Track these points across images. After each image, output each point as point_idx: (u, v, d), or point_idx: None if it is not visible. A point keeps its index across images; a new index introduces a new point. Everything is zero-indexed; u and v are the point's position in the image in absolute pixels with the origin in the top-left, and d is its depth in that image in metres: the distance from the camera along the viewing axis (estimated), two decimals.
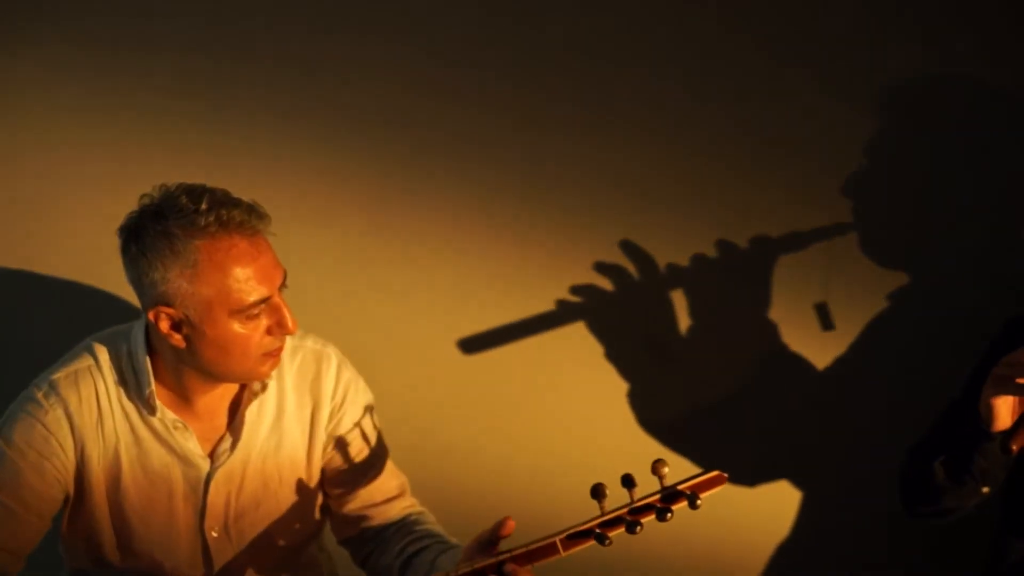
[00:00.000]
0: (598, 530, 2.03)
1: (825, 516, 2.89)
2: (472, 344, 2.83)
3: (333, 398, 2.35)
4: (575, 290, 2.82)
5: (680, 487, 2.02)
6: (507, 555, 2.07)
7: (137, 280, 2.16)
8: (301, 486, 2.36)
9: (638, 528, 2.02)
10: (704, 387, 2.87)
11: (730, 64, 2.74)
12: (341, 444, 2.37)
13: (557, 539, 2.05)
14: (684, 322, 2.84)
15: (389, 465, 2.43)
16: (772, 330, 2.84)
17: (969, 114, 2.74)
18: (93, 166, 2.76)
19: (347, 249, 2.82)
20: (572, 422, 2.87)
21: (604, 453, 2.84)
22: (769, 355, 2.85)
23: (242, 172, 2.71)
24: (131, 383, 2.26)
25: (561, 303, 2.82)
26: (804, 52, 2.74)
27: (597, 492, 2.03)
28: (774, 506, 2.89)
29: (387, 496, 2.42)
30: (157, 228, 2.11)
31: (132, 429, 2.26)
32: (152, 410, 2.24)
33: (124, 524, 2.30)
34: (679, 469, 2.08)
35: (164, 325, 2.15)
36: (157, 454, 2.27)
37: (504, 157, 2.78)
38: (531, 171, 2.79)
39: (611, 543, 2.03)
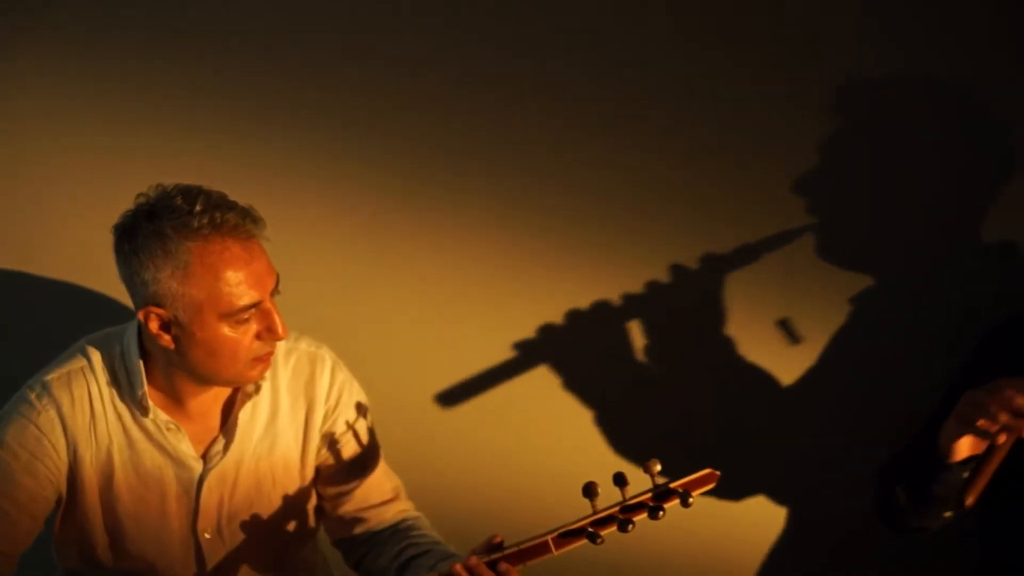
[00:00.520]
0: (590, 528, 2.04)
1: (818, 517, 2.88)
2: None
3: (327, 400, 2.35)
4: (572, 291, 2.83)
5: (672, 485, 2.03)
6: (499, 555, 2.08)
7: (129, 279, 2.16)
8: (294, 488, 2.36)
9: (630, 526, 2.03)
10: (698, 387, 2.87)
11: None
12: (335, 446, 2.37)
13: (549, 538, 2.06)
14: (680, 322, 2.85)
15: (383, 467, 2.43)
16: (764, 332, 2.85)
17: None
18: (88, 168, 2.76)
19: (342, 251, 2.81)
20: (566, 423, 2.87)
21: (597, 453, 2.85)
22: (763, 354, 2.86)
23: (238, 173, 2.71)
24: (124, 384, 2.25)
25: (557, 304, 2.83)
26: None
27: (589, 491, 2.03)
28: (765, 507, 2.90)
29: (382, 499, 2.41)
30: (150, 228, 2.11)
31: (125, 430, 2.26)
32: (145, 411, 2.24)
33: (117, 525, 2.30)
34: (672, 471, 2.09)
35: (153, 325, 2.15)
36: (150, 455, 2.27)
37: (499, 159, 2.78)
38: (527, 173, 2.79)
39: (603, 541, 2.04)
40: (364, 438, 2.39)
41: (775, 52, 2.73)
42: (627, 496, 2.03)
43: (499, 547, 2.09)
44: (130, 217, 2.15)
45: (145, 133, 2.75)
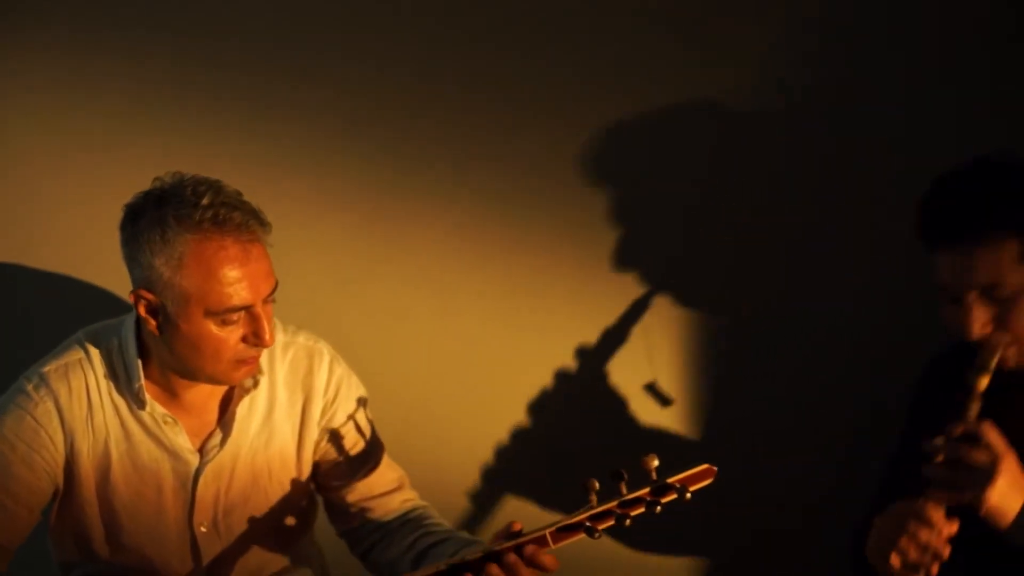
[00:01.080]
0: (588, 523, 2.04)
1: (817, 514, 2.89)
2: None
3: (325, 393, 2.35)
4: (568, 288, 2.84)
5: (669, 480, 2.03)
6: (498, 548, 2.07)
7: (128, 258, 2.16)
8: (291, 482, 2.36)
9: (627, 521, 2.03)
10: (696, 383, 2.88)
11: None
12: (336, 438, 2.37)
13: (547, 532, 2.06)
14: (679, 318, 2.86)
15: (386, 458, 2.43)
16: (762, 329, 2.87)
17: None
18: (85, 161, 2.76)
19: (340, 245, 2.82)
20: (566, 417, 2.88)
21: (597, 449, 2.85)
22: (761, 352, 2.88)
23: (237, 166, 2.66)
24: (121, 377, 2.25)
25: (554, 300, 2.84)
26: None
27: (587, 486, 2.04)
28: (763, 504, 2.91)
29: (386, 488, 2.42)
30: (155, 213, 2.11)
31: (122, 423, 2.26)
32: (142, 404, 2.24)
33: (113, 518, 2.29)
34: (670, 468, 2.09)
35: (141, 308, 2.15)
36: (146, 448, 2.27)
37: (499, 155, 2.78)
38: (527, 169, 2.80)
39: (600, 536, 2.04)
40: (364, 430, 2.39)
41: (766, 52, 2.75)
42: (625, 492, 2.04)
43: (518, 534, 2.08)
44: (140, 199, 2.15)
45: (142, 127, 2.75)
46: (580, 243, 2.83)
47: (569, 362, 2.85)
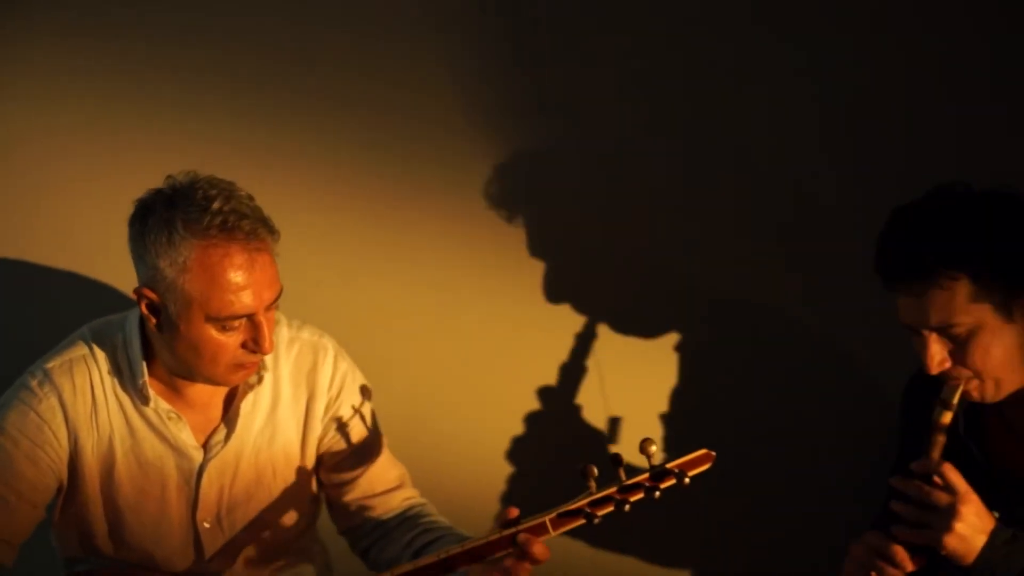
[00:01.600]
0: (588, 509, 2.04)
1: (815, 513, 2.88)
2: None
3: (330, 389, 2.35)
4: (567, 284, 2.84)
5: (668, 465, 2.04)
6: (496, 536, 2.07)
7: (134, 255, 2.17)
8: (294, 478, 2.36)
9: (626, 507, 2.03)
10: (693, 377, 2.88)
11: None
12: (338, 435, 2.37)
13: (547, 519, 2.06)
14: (679, 314, 2.86)
15: (387, 455, 2.43)
16: (759, 327, 2.87)
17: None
18: (89, 158, 2.78)
19: (344, 242, 2.83)
20: (568, 414, 2.87)
21: (597, 439, 2.85)
22: (759, 350, 2.88)
23: (240, 164, 2.67)
24: (125, 373, 2.25)
25: (554, 295, 2.83)
26: None
27: (586, 472, 2.04)
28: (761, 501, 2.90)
29: (387, 486, 2.41)
30: (164, 214, 2.11)
31: (126, 419, 2.26)
32: (145, 400, 2.24)
33: (117, 514, 2.29)
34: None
35: (143, 305, 2.15)
36: (151, 444, 2.27)
37: (500, 153, 2.79)
38: (528, 167, 2.80)
39: (600, 522, 2.03)
40: (367, 427, 2.39)
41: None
42: (624, 477, 2.03)
43: (516, 521, 2.08)
44: (151, 197, 2.15)
45: (146, 123, 2.77)
46: (582, 242, 2.84)
47: (571, 359, 2.85)
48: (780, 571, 2.85)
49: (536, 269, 2.83)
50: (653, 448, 2.01)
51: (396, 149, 2.80)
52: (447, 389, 2.88)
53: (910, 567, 2.07)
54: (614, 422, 2.86)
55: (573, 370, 2.85)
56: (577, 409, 2.87)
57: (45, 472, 2.24)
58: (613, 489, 2.04)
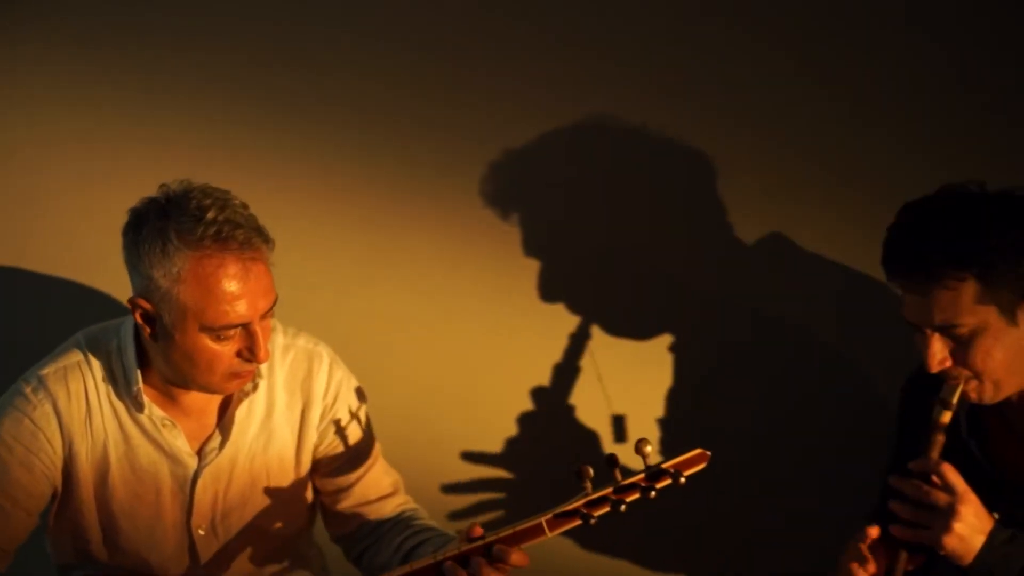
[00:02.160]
0: (584, 510, 2.04)
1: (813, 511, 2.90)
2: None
3: (325, 397, 2.35)
4: (564, 286, 2.85)
5: (664, 465, 2.04)
6: (493, 537, 2.08)
7: (128, 264, 2.17)
8: (289, 485, 2.36)
9: (622, 507, 2.03)
10: (690, 377, 2.90)
11: None
12: (334, 442, 2.37)
13: (543, 520, 2.06)
14: (676, 314, 2.87)
15: (382, 463, 2.43)
16: (758, 326, 2.88)
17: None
18: (84, 164, 2.78)
19: (339, 247, 2.83)
20: (563, 418, 2.88)
21: (594, 441, 2.86)
22: (757, 349, 2.89)
23: (237, 169, 2.73)
24: (120, 380, 2.25)
25: (549, 297, 2.85)
26: None
27: (582, 473, 2.04)
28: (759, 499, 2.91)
29: (381, 494, 2.41)
30: (157, 224, 2.10)
31: (120, 426, 2.26)
32: (140, 407, 2.24)
33: (111, 521, 2.29)
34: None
35: (138, 315, 2.15)
36: (145, 451, 2.27)
37: (496, 155, 2.80)
38: (524, 170, 2.81)
39: (596, 522, 2.04)
40: (362, 434, 2.39)
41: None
42: (619, 477, 2.04)
43: (480, 539, 2.08)
44: (145, 206, 2.15)
45: (143, 129, 2.77)
46: (576, 245, 2.84)
47: (567, 361, 2.86)
48: (775, 571, 2.86)
49: (532, 272, 2.84)
50: (648, 448, 2.01)
51: (392, 154, 2.81)
52: (443, 392, 2.88)
53: (904, 565, 2.08)
54: (611, 423, 2.87)
55: (569, 372, 2.86)
56: (574, 410, 2.88)
57: (39, 479, 2.23)
58: (609, 490, 2.04)
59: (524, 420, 2.89)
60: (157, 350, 2.18)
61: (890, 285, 2.09)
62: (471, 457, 2.88)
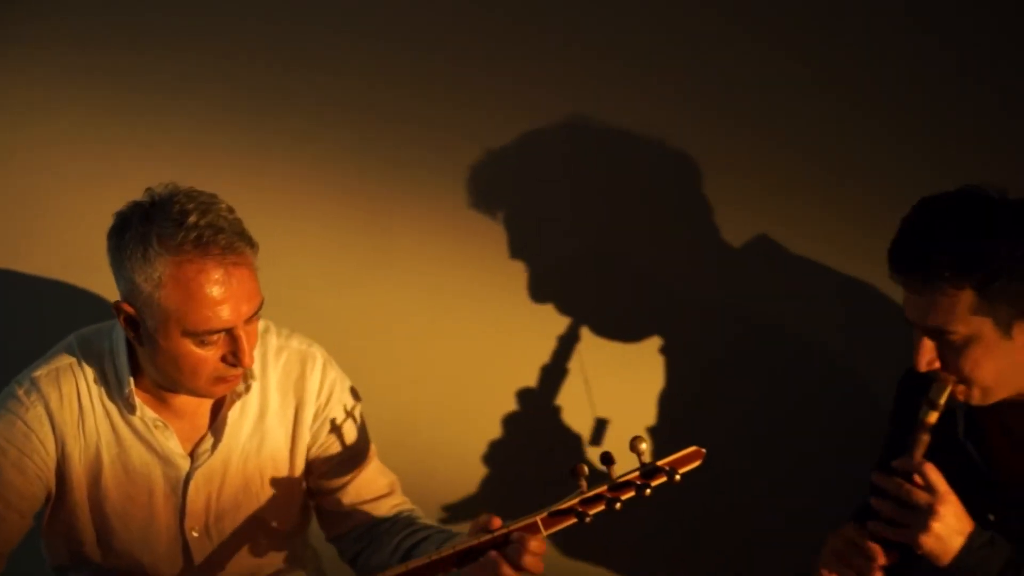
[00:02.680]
0: (579, 508, 2.04)
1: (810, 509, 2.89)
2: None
3: (318, 398, 2.35)
4: (563, 287, 2.85)
5: (659, 463, 2.04)
6: (488, 537, 2.07)
7: (113, 269, 2.17)
8: (283, 486, 2.35)
9: (617, 505, 2.03)
10: (689, 380, 2.90)
11: None
12: (327, 443, 2.36)
13: (538, 518, 2.06)
14: (676, 316, 2.87)
15: (377, 463, 2.43)
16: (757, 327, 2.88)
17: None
18: (81, 165, 2.78)
19: (332, 248, 2.83)
20: (557, 417, 2.88)
21: (590, 441, 2.86)
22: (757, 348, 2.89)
23: (230, 169, 2.73)
24: (112, 382, 2.25)
25: (546, 300, 2.84)
26: None
27: (577, 471, 2.04)
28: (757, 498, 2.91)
29: (376, 494, 2.41)
30: (140, 229, 2.10)
31: (113, 427, 2.26)
32: (132, 409, 2.24)
33: (104, 522, 2.29)
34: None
35: (122, 318, 2.15)
36: (138, 453, 2.26)
37: (493, 155, 2.80)
38: (519, 169, 2.81)
39: (591, 521, 2.03)
40: (356, 435, 2.39)
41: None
42: (615, 475, 2.04)
43: (499, 530, 2.08)
44: (129, 210, 2.15)
45: (136, 130, 2.77)
46: (570, 244, 2.84)
47: (559, 362, 2.85)
48: (775, 571, 2.86)
49: (527, 272, 2.84)
50: (644, 446, 2.01)
51: (385, 156, 2.80)
52: (436, 396, 2.88)
53: (883, 562, 2.08)
54: (601, 424, 2.86)
55: (563, 373, 2.86)
56: (568, 411, 2.87)
57: (33, 480, 2.23)
58: (604, 488, 2.04)
59: (520, 420, 2.89)
60: (144, 354, 2.18)
61: (891, 278, 2.08)
62: (466, 459, 2.88)
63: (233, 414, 2.29)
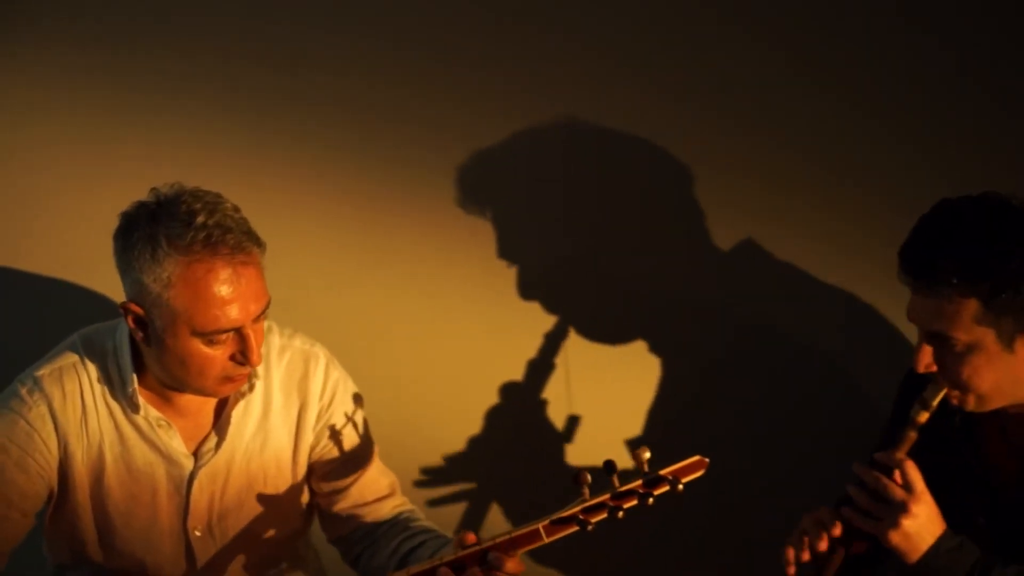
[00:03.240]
0: (581, 516, 2.04)
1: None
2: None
3: (321, 398, 2.35)
4: (562, 288, 2.85)
5: (661, 472, 2.04)
6: (490, 542, 2.08)
7: (120, 269, 2.16)
8: (286, 486, 2.36)
9: (620, 514, 2.03)
10: (685, 381, 2.90)
11: None
12: (330, 443, 2.36)
13: (540, 526, 2.06)
14: (674, 316, 2.87)
15: (378, 464, 2.43)
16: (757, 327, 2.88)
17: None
18: (81, 165, 2.78)
19: (335, 248, 2.83)
20: (557, 418, 2.88)
21: (589, 446, 2.86)
22: (756, 348, 2.89)
23: (230, 169, 2.73)
24: (115, 381, 2.25)
25: (546, 300, 2.85)
26: None
27: (579, 479, 2.04)
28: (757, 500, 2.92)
29: (378, 495, 2.41)
30: (147, 230, 2.10)
31: (116, 427, 2.26)
32: (135, 408, 2.24)
33: (107, 522, 2.29)
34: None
35: (130, 319, 2.15)
36: (141, 452, 2.27)
37: (492, 156, 2.80)
38: (519, 169, 2.81)
39: (593, 528, 2.04)
40: (358, 435, 2.39)
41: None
42: (617, 484, 2.04)
43: (474, 545, 2.08)
44: (135, 210, 2.14)
45: (138, 130, 2.77)
46: (568, 246, 2.84)
47: (559, 363, 2.86)
48: (775, 572, 2.86)
49: (526, 273, 2.84)
50: (646, 455, 2.01)
51: (384, 156, 2.80)
52: (437, 396, 2.89)
53: (838, 533, 2.09)
54: (602, 426, 2.87)
55: (562, 376, 2.86)
56: (568, 415, 2.88)
57: (35, 480, 2.23)
58: (606, 496, 2.04)
59: (521, 422, 2.89)
60: (151, 354, 2.18)
61: (899, 278, 2.08)
62: (467, 459, 2.88)
63: (237, 413, 2.29)
